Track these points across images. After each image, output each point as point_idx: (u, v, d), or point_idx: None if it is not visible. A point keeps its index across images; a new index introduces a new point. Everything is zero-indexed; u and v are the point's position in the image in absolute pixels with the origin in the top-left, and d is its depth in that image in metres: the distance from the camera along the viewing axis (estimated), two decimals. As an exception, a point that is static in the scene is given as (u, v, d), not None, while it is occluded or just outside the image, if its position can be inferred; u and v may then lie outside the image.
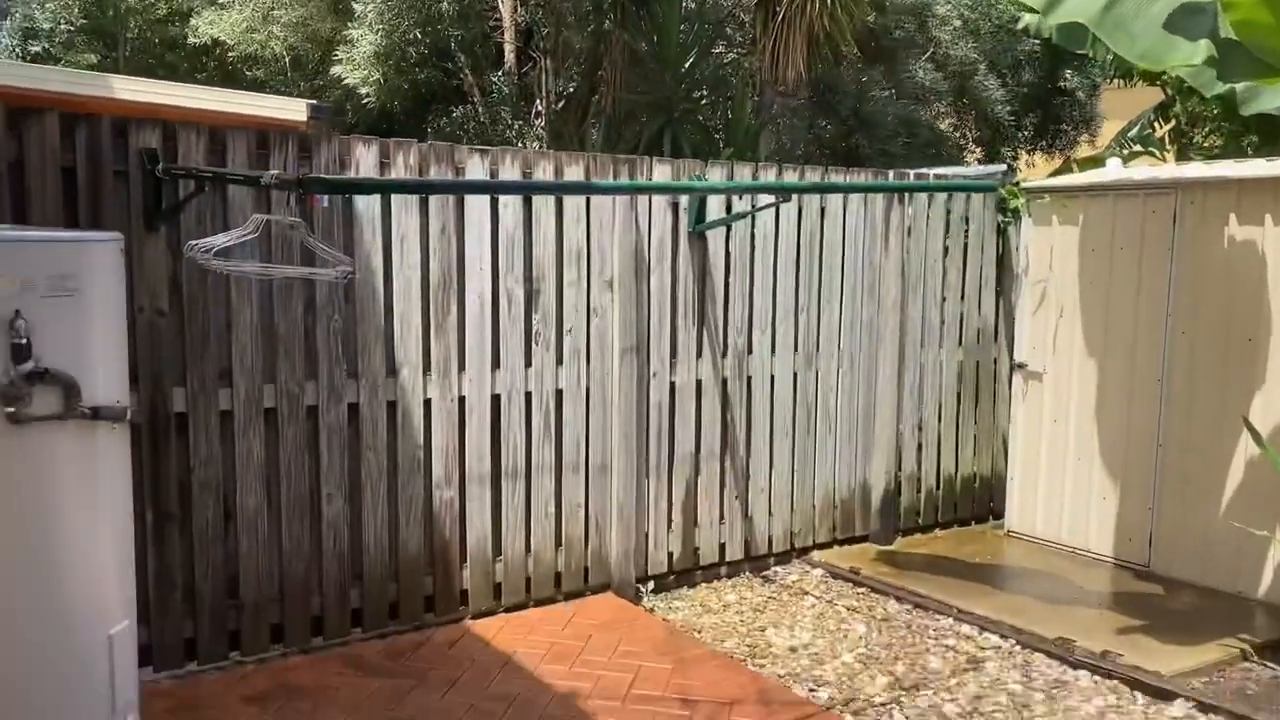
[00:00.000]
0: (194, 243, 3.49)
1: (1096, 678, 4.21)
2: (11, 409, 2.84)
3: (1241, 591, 5.00)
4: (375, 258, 4.23)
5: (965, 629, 4.72)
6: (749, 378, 5.36)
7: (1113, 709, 3.95)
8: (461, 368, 4.46)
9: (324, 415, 4.14)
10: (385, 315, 4.26)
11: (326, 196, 3.94)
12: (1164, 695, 4.02)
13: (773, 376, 5.44)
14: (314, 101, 5.82)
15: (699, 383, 5.19)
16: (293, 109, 5.53)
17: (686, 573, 5.28)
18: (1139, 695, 4.06)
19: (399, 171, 4.24)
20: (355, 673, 4.01)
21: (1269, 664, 4.33)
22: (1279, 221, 4.84)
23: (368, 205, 4.20)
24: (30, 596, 2.94)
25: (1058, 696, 4.05)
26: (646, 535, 5.09)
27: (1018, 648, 4.50)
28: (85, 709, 3.07)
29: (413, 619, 4.43)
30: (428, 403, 4.39)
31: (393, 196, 4.24)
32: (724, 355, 5.25)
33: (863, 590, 5.23)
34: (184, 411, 3.86)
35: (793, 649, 4.50)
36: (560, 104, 9.17)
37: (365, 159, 4.16)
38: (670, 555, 5.19)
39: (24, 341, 2.83)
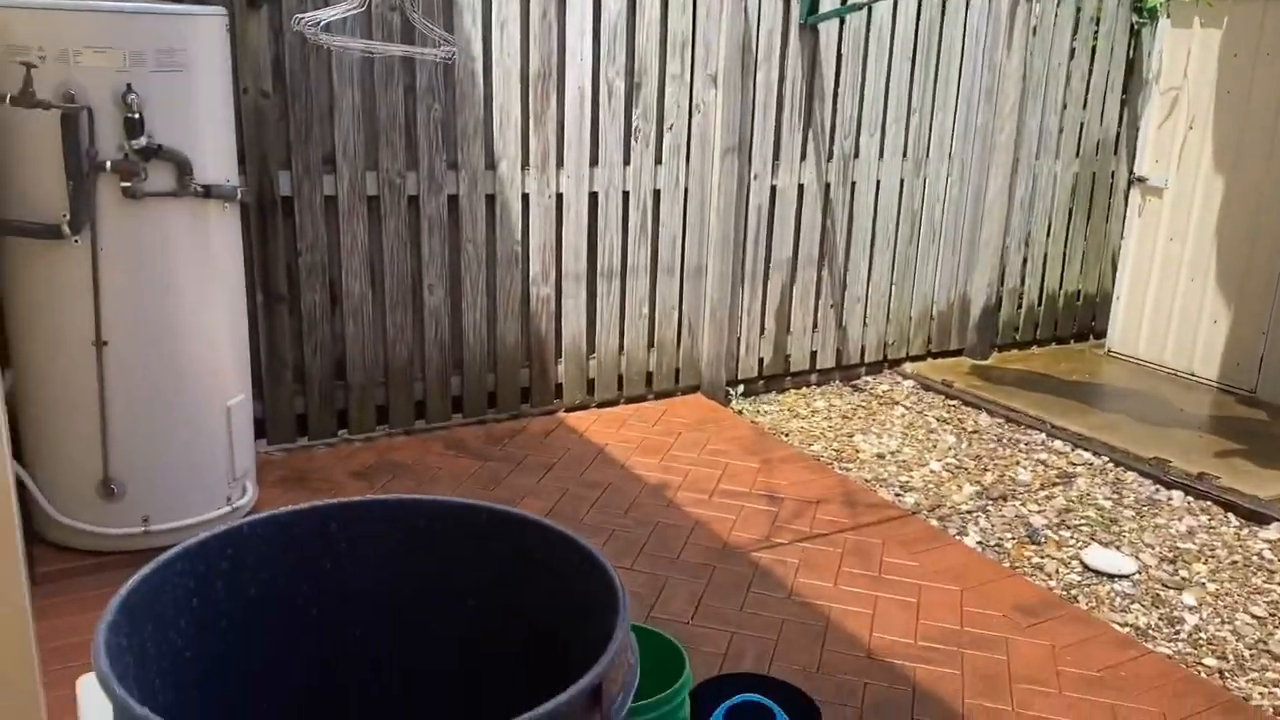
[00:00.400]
0: (301, 15, 3.44)
1: (1190, 498, 4.17)
2: (128, 184, 2.90)
3: (1353, 421, 4.84)
4: (475, 44, 4.12)
5: (1057, 444, 4.69)
6: (853, 183, 5.19)
7: (1203, 529, 3.93)
8: (560, 163, 4.40)
9: (424, 206, 4.15)
10: (485, 106, 4.19)
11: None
12: (1259, 518, 3.98)
13: (878, 182, 5.26)
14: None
15: (801, 187, 5.05)
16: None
17: (776, 378, 5.31)
18: (1232, 517, 4.02)
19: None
20: (455, 454, 4.18)
21: (1374, 494, 4.23)
22: None
23: (467, -12, 4.05)
24: (156, 366, 3.09)
25: (1147, 514, 4.04)
26: (738, 340, 5.09)
27: (1110, 465, 4.47)
28: (208, 473, 3.27)
29: (509, 409, 4.57)
30: (525, 198, 4.36)
31: (492, -21, 4.08)
32: (829, 159, 5.08)
33: (954, 403, 5.21)
34: (289, 195, 3.90)
35: (880, 456, 4.54)
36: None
37: (465, -63, 3.99)
38: (761, 361, 5.21)
39: (137, 116, 2.85)
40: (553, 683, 0.67)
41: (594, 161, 4.47)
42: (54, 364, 3.03)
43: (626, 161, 4.55)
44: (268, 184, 3.84)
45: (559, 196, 4.43)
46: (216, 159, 3.15)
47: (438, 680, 0.92)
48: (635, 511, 3.77)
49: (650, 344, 4.87)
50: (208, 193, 3.08)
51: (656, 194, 4.67)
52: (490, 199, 4.28)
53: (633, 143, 4.54)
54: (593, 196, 4.51)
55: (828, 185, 5.12)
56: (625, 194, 4.58)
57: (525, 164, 4.33)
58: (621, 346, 4.79)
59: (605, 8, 4.33)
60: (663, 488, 3.98)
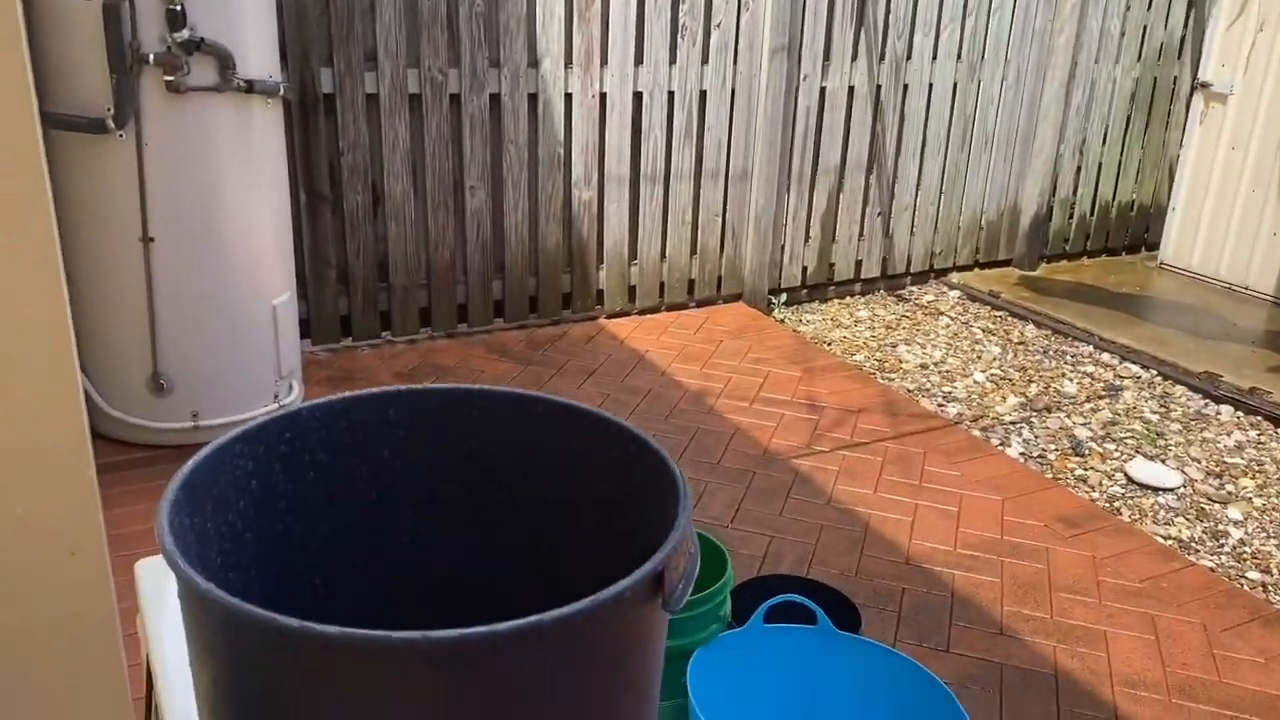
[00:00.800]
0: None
1: (1239, 413, 4.11)
2: (170, 78, 2.88)
3: None
4: (518, -63, 4.00)
5: (1105, 357, 4.62)
6: (905, 86, 5.04)
7: (1252, 444, 3.87)
8: (604, 61, 4.30)
9: (466, 105, 4.09)
10: (527, 1, 4.08)
11: None
12: (1310, 434, 3.92)
13: (931, 86, 5.11)
14: None
15: (851, 89, 4.91)
16: None
17: (819, 287, 5.25)
18: (1283, 433, 3.96)
19: None
20: (498, 358, 4.19)
21: None
22: None
23: (510, -123, 3.92)
24: (202, 263, 3.11)
25: (1194, 428, 3.98)
26: (782, 248, 5.03)
27: (1159, 378, 4.40)
28: (255, 371, 3.31)
29: (551, 314, 4.56)
30: (568, 97, 4.28)
31: None
32: (881, 59, 4.92)
33: (1000, 314, 5.13)
34: (331, 93, 3.86)
35: (923, 366, 4.50)
36: None
37: None
38: (805, 269, 5.14)
39: (179, 8, 2.81)
40: (616, 572, 0.66)
41: (639, 60, 4.37)
42: (102, 260, 3.05)
43: (672, 61, 4.44)
44: (309, 80, 3.80)
45: (602, 96, 4.34)
46: (259, 54, 3.11)
47: (497, 567, 0.92)
48: (676, 418, 3.77)
49: (693, 251, 4.82)
50: (250, 88, 3.04)
51: (703, 95, 4.56)
52: (532, 98, 4.21)
53: (679, 41, 4.42)
54: (637, 97, 4.42)
55: (879, 88, 4.98)
56: (670, 94, 4.48)
57: (568, 62, 4.23)
58: (664, 253, 4.74)
59: (652, -102, 4.18)
60: (703, 394, 3.98)
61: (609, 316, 4.69)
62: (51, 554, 0.67)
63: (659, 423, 3.72)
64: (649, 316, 4.76)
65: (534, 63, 4.17)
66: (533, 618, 0.59)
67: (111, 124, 2.86)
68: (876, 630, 2.63)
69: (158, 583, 1.29)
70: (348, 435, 0.87)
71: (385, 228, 4.10)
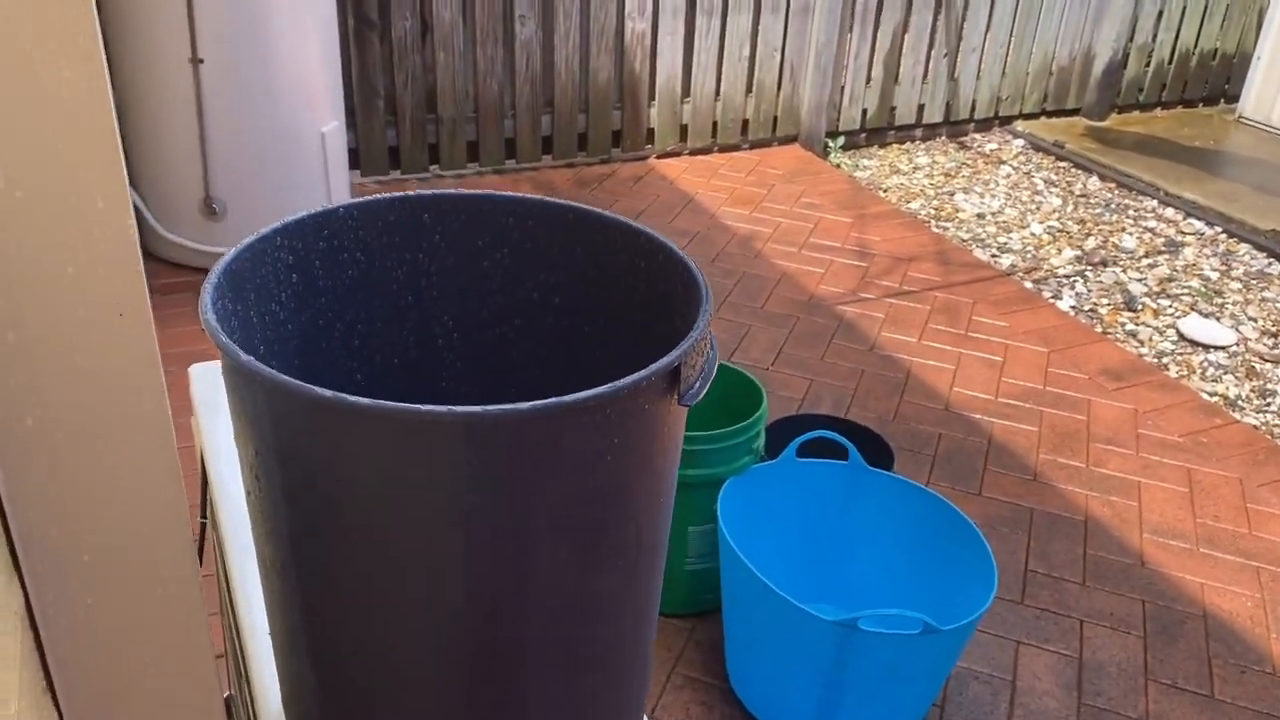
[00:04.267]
0: None
1: (1304, 274, 4.00)
2: (215, -109, 2.80)
3: None
4: None
5: (1169, 213, 4.48)
6: (979, -83, 4.76)
7: (1314, 305, 3.79)
8: (663, -117, 4.10)
9: (518, -72, 3.95)
10: None
11: None
12: (1376, 298, 3.81)
13: (1007, -82, 4.82)
14: None
15: (921, -80, 4.65)
16: None
17: (878, 131, 5.11)
18: (1347, 295, 3.86)
19: None
20: (545, 195, 4.17)
21: None
22: None
23: None
24: (251, 87, 3.09)
25: (1255, 287, 3.89)
26: (842, 88, 4.87)
27: (1223, 236, 4.28)
28: (305, 197, 3.34)
29: (600, 152, 4.50)
30: (625, -79, 4.11)
31: None
32: (954, -112, 4.64)
33: (1064, 165, 4.98)
34: (379, -87, 3.74)
35: (980, 216, 4.41)
36: None
37: None
38: (864, 112, 4.99)
39: None
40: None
41: (699, -117, 4.16)
42: (152, 81, 3.05)
43: (734, -116, 4.22)
44: (357, -101, 3.68)
45: (660, -79, 4.16)
46: None
47: (530, 373, 0.95)
48: (722, 261, 3.76)
49: (749, 89, 4.69)
50: (296, -96, 2.96)
51: (764, -78, 4.35)
52: (587, -78, 4.05)
53: None
54: (696, -77, 4.23)
55: (952, -81, 4.71)
56: (731, -79, 4.29)
57: (624, -116, 4.05)
58: (718, 90, 4.62)
59: None
60: (752, 239, 3.95)
61: (659, 156, 4.62)
62: (101, 314, 0.71)
63: (705, 266, 3.71)
64: (700, 157, 4.68)
65: (589, -117, 3.99)
66: (551, 400, 0.61)
67: (157, -61, 2.81)
68: (910, 471, 2.67)
69: (212, 384, 1.35)
70: (384, 236, 0.89)
71: (433, 57, 4.03)
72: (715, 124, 4.69)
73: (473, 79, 4.14)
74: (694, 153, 4.69)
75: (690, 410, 0.75)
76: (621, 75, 4.40)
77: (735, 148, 4.79)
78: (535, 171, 4.38)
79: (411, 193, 0.87)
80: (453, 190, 0.90)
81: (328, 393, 0.60)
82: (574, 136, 4.43)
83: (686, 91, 4.56)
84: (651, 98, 4.51)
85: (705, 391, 0.72)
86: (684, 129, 4.64)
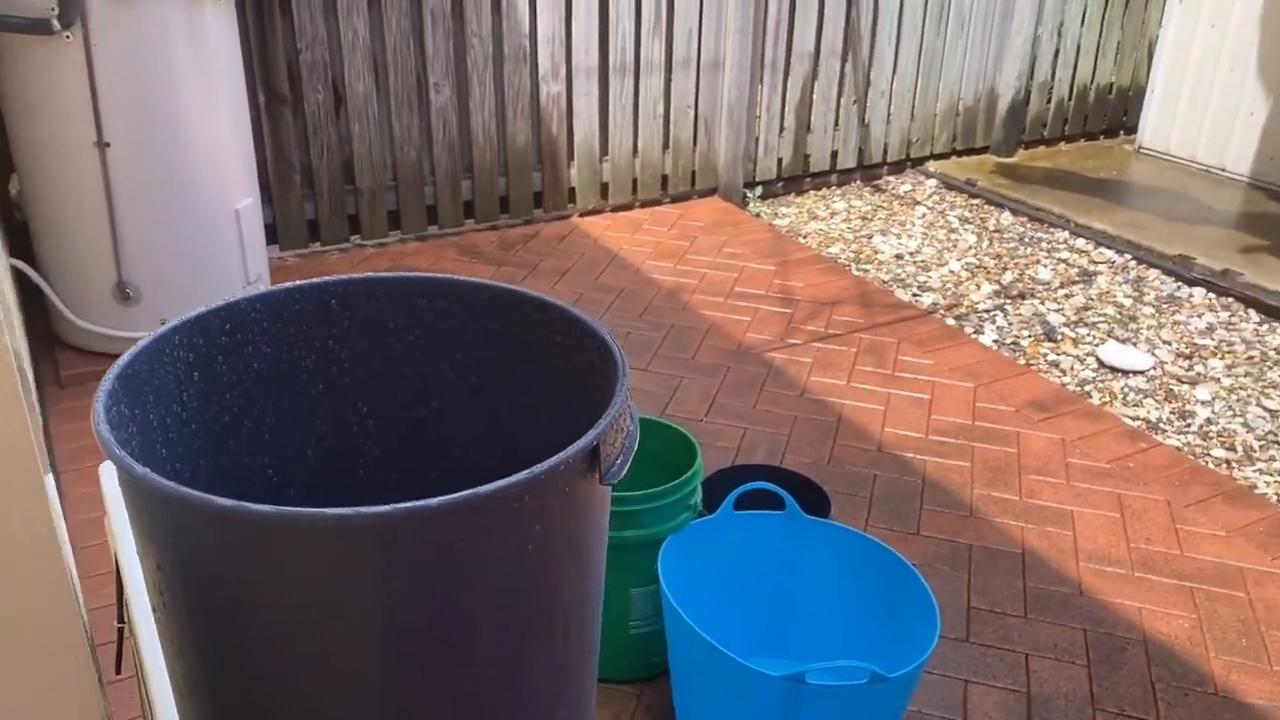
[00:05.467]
0: None
1: (1211, 295, 4.13)
2: (114, -26, 2.77)
3: (1386, 217, 4.73)
4: None
5: (1080, 243, 4.62)
6: (877, -31, 4.92)
7: (1223, 325, 3.91)
8: (568, -51, 4.17)
9: (427, -2, 3.97)
10: (486, -114, 3.94)
11: None
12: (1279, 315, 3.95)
13: (904, -32, 4.98)
14: None
15: (822, -27, 4.79)
16: None
17: (795, 180, 5.20)
18: (1253, 313, 3.99)
19: None
20: (469, 259, 4.16)
21: (1399, 289, 4.17)
22: None
23: None
24: (161, 168, 3.04)
25: (1167, 311, 4.01)
26: (757, 140, 4.96)
27: (1133, 263, 4.42)
28: (221, 277, 3.27)
29: (522, 213, 4.51)
30: (533, -13, 4.16)
31: None
32: (852, -58, 4.79)
33: (977, 202, 5.11)
34: (285, -10, 3.73)
35: (899, 256, 4.49)
36: None
37: None
38: (780, 161, 5.08)
39: (116, -102, 2.69)
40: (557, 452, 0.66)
41: (604, -53, 4.24)
42: (60, 167, 2.98)
43: (638, -53, 4.31)
44: (262, -24, 3.66)
45: (567, -14, 4.22)
46: (205, -53, 2.99)
47: (449, 452, 0.93)
48: (650, 314, 3.77)
49: (665, 145, 4.75)
50: (198, -16, 2.93)
51: (671, -18, 4.44)
52: (495, -10, 4.09)
53: (645, -74, 4.28)
54: (603, -15, 4.30)
55: (852, -29, 4.85)
56: (637, -17, 4.36)
57: (531, -49, 4.10)
58: (636, 148, 4.67)
59: None
60: (678, 291, 3.97)
61: (582, 214, 4.64)
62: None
63: (633, 320, 3.72)
64: (622, 213, 4.72)
65: (495, -48, 4.03)
66: (464, 492, 0.59)
67: (56, 24, 2.76)
68: (848, 516, 2.68)
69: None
70: (291, 325, 0.86)
71: (349, 128, 4.01)
72: (635, 180, 4.73)
73: (390, 148, 4.12)
74: (616, 209, 4.72)
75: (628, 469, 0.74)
76: (539, 137, 4.42)
77: (656, 202, 4.83)
78: (459, 236, 4.37)
79: (318, 280, 0.85)
80: (361, 274, 0.88)
81: (228, 502, 0.58)
82: (495, 199, 4.43)
83: (605, 150, 4.60)
84: (570, 158, 4.53)
85: (628, 468, 0.71)
86: (604, 186, 4.67)
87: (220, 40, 3.12)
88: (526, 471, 0.61)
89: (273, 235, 3.96)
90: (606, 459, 0.68)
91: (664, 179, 4.82)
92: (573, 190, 4.60)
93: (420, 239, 4.31)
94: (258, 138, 3.68)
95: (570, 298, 3.85)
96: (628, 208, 4.75)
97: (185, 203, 3.11)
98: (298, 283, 0.85)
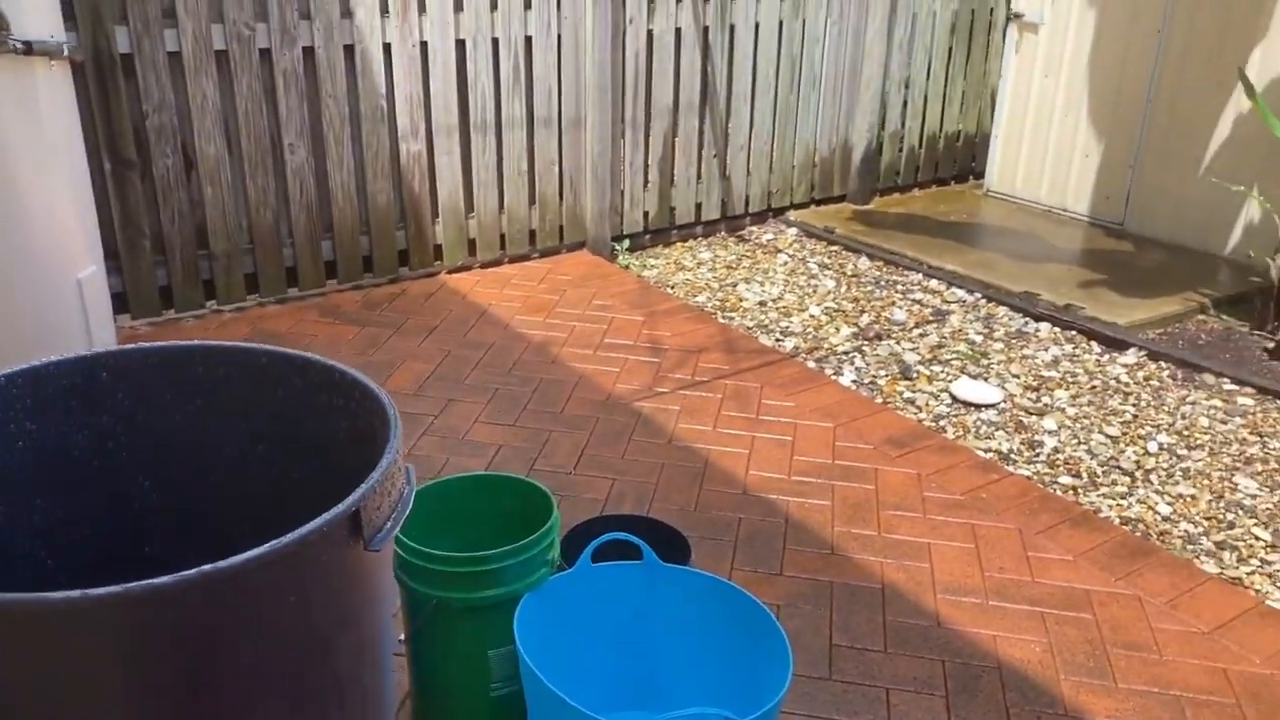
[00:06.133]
0: None
1: (1056, 329, 4.34)
2: (-67, 40, 2.66)
3: (1209, 249, 5.06)
4: (320, -119, 3.83)
5: (933, 284, 4.80)
6: (732, 26, 5.08)
7: (1067, 357, 4.10)
8: (422, 9, 4.18)
9: (278, 60, 3.92)
10: (336, -51, 3.93)
11: None
12: (1118, 345, 4.17)
13: (757, 25, 5.15)
14: None
15: (678, 31, 4.91)
16: None
17: (662, 232, 5.28)
18: (1095, 345, 4.20)
19: None
20: (332, 320, 4.09)
21: (1224, 317, 4.46)
22: None
23: None
24: (-11, 239, 2.91)
25: (1015, 346, 4.19)
26: (622, 194, 5.03)
27: (983, 301, 4.61)
28: (66, 348, 3.14)
29: (387, 272, 4.46)
30: (387, 48, 4.15)
31: None
32: (705, 1, 4.94)
33: (836, 248, 5.28)
34: (129, 52, 3.64)
35: (762, 303, 4.59)
36: None
37: None
38: (646, 214, 5.16)
39: (-68, -38, 2.59)
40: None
41: (458, 7, 4.27)
42: (-124, 241, 2.82)
43: (494, 7, 4.35)
44: (103, 40, 3.57)
45: (424, 45, 4.23)
46: (37, 12, 2.90)
47: (237, 521, 0.90)
48: (519, 369, 3.76)
49: (531, 201, 4.77)
50: (29, 49, 2.84)
51: (528, 41, 4.49)
52: (349, 50, 4.07)
53: (499, -13, 4.34)
54: (460, 45, 4.32)
55: (706, 29, 5.00)
56: (495, 41, 4.40)
57: (384, 10, 4.10)
58: (502, 204, 4.69)
59: None
60: (547, 345, 3.97)
61: (449, 272, 4.62)
62: None
63: (502, 375, 3.70)
64: (491, 270, 4.71)
65: (347, 13, 4.02)
66: (202, 568, 0.58)
67: None
68: (713, 560, 2.70)
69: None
70: (59, 401, 0.83)
71: (201, 192, 3.92)
72: (503, 236, 4.74)
73: (245, 210, 4.04)
74: (484, 265, 4.72)
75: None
76: (401, 196, 4.40)
77: (525, 257, 4.84)
78: (321, 297, 4.29)
79: (85, 352, 0.83)
80: (133, 345, 0.86)
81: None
82: (358, 259, 4.38)
83: (470, 207, 4.60)
84: (435, 215, 4.52)
85: (398, 529, 0.70)
86: (472, 243, 4.67)
87: (56, 105, 3.02)
88: (272, 543, 0.59)
89: (123, 304, 3.82)
90: (371, 525, 0.67)
91: (532, 234, 4.84)
92: (439, 247, 4.58)
93: (281, 301, 4.22)
94: (104, 204, 3.56)
95: (437, 356, 3.81)
96: (496, 263, 4.75)
97: (22, 274, 2.98)
98: (62, 356, 0.82)
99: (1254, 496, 3.16)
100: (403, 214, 4.43)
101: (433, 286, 4.47)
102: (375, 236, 4.37)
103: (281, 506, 0.88)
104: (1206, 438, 3.50)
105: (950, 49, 5.93)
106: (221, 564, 0.57)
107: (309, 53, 3.98)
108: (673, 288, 4.75)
